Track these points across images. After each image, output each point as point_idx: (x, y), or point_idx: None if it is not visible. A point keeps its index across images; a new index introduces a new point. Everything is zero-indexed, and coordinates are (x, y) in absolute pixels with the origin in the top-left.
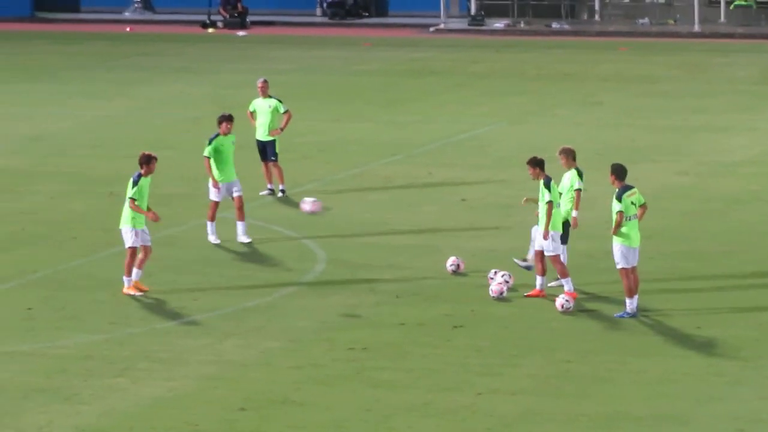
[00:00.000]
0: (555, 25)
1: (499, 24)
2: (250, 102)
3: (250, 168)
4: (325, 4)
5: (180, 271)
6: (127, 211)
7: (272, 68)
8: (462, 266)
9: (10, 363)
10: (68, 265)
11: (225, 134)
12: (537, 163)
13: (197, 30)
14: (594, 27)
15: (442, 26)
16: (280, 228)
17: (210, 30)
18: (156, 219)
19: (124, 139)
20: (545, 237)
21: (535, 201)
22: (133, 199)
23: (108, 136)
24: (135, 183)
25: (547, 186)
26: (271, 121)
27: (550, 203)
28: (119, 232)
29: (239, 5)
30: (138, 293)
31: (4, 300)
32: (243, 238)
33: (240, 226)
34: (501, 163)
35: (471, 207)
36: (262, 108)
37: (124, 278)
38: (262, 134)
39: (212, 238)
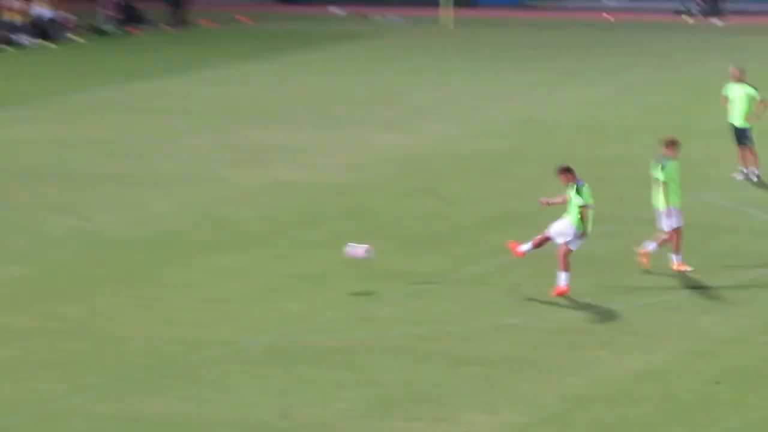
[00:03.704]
0: None
1: None
2: (723, 87)
3: (724, 151)
4: None
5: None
6: (660, 193)
7: (749, 57)
8: None
9: (499, 335)
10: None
11: None
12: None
13: (674, 18)
14: None
15: None
16: (755, 210)
17: (687, 18)
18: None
19: (608, 123)
20: None
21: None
22: (665, 183)
23: (593, 120)
24: (663, 166)
25: None
26: (747, 108)
27: None
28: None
29: None
30: (688, 269)
31: (498, 276)
32: None
33: None
34: None
35: None
36: (737, 93)
37: (672, 255)
38: (736, 119)
39: None
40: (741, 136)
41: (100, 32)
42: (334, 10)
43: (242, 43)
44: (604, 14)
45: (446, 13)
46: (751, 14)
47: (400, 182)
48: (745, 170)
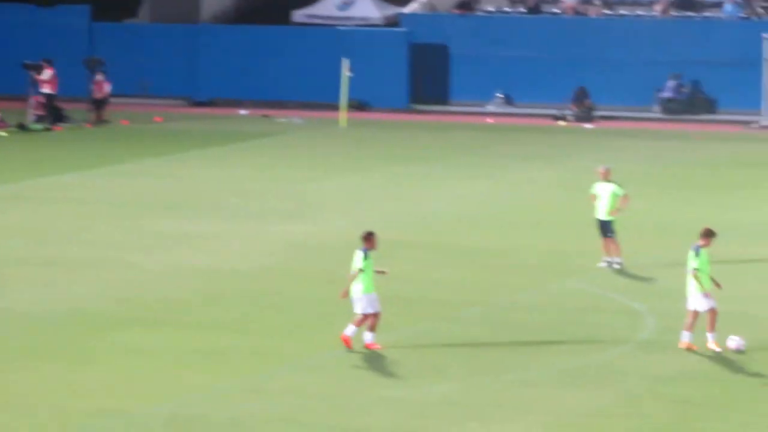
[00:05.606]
0: None
1: None
2: (592, 186)
3: (591, 243)
4: (660, 101)
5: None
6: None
7: (615, 157)
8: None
9: (379, 407)
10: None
11: None
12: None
13: (550, 122)
14: None
15: (765, 122)
16: (615, 295)
17: (561, 123)
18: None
19: (489, 216)
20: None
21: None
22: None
23: (475, 213)
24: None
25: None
26: (611, 203)
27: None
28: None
29: (587, 102)
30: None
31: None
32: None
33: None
34: None
35: None
36: (603, 191)
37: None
38: (602, 214)
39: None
40: (606, 228)
41: (26, 129)
42: (242, 111)
43: (154, 140)
44: (487, 119)
45: (343, 115)
46: (617, 120)
47: (298, 268)
48: (608, 259)
